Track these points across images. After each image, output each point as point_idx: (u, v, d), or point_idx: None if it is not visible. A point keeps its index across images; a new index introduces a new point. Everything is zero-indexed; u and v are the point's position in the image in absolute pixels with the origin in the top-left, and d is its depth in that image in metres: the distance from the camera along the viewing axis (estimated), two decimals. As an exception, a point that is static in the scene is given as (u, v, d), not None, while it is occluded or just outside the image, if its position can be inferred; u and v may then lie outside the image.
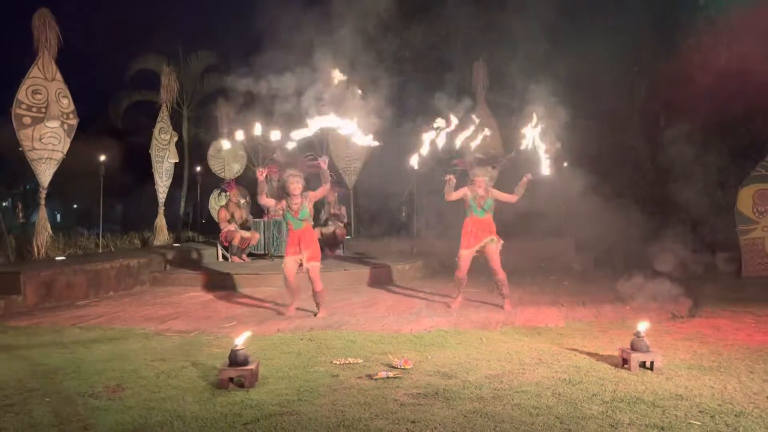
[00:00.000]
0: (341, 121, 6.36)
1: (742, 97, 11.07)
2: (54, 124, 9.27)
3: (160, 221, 11.93)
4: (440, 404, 3.78)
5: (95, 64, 19.40)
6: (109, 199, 16.16)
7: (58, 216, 23.84)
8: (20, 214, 19.95)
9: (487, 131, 7.86)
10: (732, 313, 6.52)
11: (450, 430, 3.39)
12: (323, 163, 6.58)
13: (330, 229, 10.94)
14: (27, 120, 9.11)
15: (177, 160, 12.27)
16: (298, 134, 6.30)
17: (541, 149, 7.04)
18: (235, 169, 12.63)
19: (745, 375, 4.33)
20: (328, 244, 10.76)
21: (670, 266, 8.20)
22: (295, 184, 6.61)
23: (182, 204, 17.85)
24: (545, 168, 7.07)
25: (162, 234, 11.91)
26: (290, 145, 6.44)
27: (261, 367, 4.42)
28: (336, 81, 6.47)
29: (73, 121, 9.60)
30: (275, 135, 6.43)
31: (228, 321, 6.53)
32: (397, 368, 4.52)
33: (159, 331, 6.03)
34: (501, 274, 6.89)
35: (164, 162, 11.88)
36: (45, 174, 9.34)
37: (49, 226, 9.62)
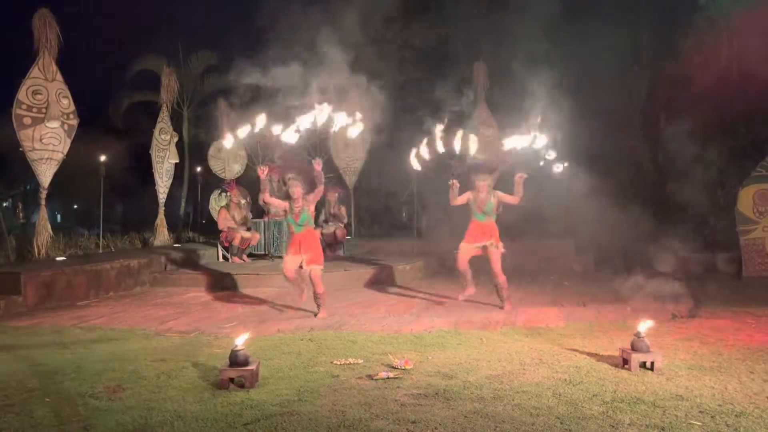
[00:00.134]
0: (340, 116, 6.39)
1: (743, 97, 11.08)
2: (54, 124, 9.26)
3: (161, 221, 11.92)
4: (441, 405, 3.78)
5: (95, 65, 19.42)
6: (110, 200, 16.18)
7: (59, 216, 23.83)
8: (20, 215, 19.98)
9: (487, 132, 7.87)
10: (732, 313, 6.52)
11: (450, 431, 3.39)
12: (317, 164, 6.61)
13: (330, 229, 10.95)
14: (27, 120, 9.11)
15: (177, 161, 12.26)
16: (302, 123, 6.30)
17: (541, 141, 7.01)
18: (235, 169, 12.63)
19: (745, 375, 4.33)
20: (329, 244, 10.77)
21: (670, 266, 8.21)
22: (295, 188, 6.66)
23: (182, 204, 17.85)
24: (546, 154, 7.06)
25: (162, 234, 11.91)
26: (293, 138, 6.41)
27: (261, 368, 4.43)
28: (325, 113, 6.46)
29: (74, 122, 9.60)
30: (276, 130, 6.42)
31: (228, 321, 6.53)
32: (398, 369, 4.53)
33: (159, 332, 6.04)
34: (501, 278, 6.90)
35: (164, 162, 11.88)
36: (45, 174, 9.34)
37: (49, 226, 9.61)
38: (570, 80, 11.74)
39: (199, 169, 14.73)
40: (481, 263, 7.10)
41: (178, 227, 14.90)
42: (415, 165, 7.10)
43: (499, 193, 6.93)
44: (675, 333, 5.64)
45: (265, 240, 11.05)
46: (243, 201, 11.32)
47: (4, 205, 21.52)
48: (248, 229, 10.71)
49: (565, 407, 3.70)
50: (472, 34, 14.17)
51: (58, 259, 9.23)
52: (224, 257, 10.78)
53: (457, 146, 6.95)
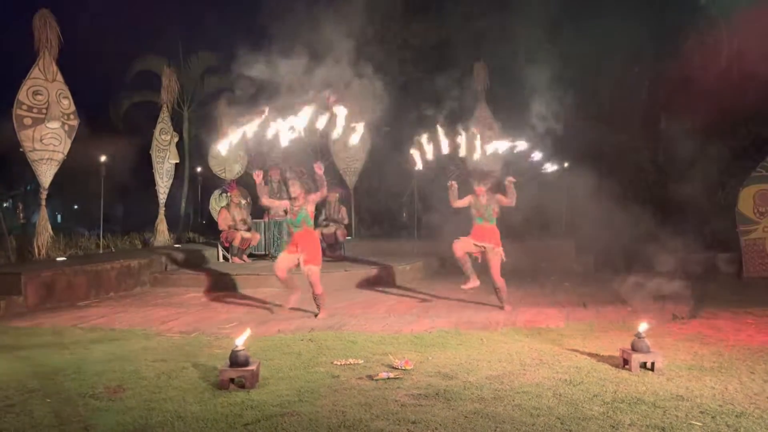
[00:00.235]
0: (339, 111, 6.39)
1: (743, 97, 11.08)
2: (55, 124, 9.26)
3: (161, 222, 11.93)
4: (441, 405, 3.78)
5: (96, 65, 19.39)
6: (110, 200, 16.14)
7: (59, 217, 23.83)
8: (21, 215, 20.01)
9: (487, 132, 7.90)
10: (733, 313, 6.51)
11: (451, 431, 3.39)
12: (318, 168, 6.60)
13: (330, 229, 10.95)
14: (28, 121, 9.12)
15: (177, 161, 12.27)
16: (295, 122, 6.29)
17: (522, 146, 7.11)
18: (235, 170, 12.63)
19: (746, 376, 4.32)
20: (329, 244, 10.76)
21: (670, 267, 8.21)
22: (294, 187, 6.67)
23: (183, 205, 17.86)
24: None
25: (162, 235, 11.92)
26: (288, 139, 6.41)
27: (261, 368, 4.42)
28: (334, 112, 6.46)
29: (74, 122, 9.60)
30: (275, 129, 6.42)
31: (228, 322, 6.53)
32: (398, 369, 4.52)
33: (159, 332, 6.04)
34: (499, 283, 6.91)
35: (165, 162, 11.88)
36: (46, 175, 9.35)
37: (49, 226, 9.62)
38: (570, 80, 11.75)
39: (199, 169, 14.72)
40: (480, 264, 7.11)
41: (179, 227, 14.91)
42: (416, 160, 7.11)
43: (498, 197, 6.98)
44: (675, 333, 5.64)
45: (265, 240, 11.06)
46: (243, 201, 11.32)
47: (5, 205, 21.52)
48: (248, 230, 10.72)
49: (566, 407, 3.70)
50: (472, 34, 14.17)
51: (58, 259, 9.23)
52: (224, 257, 10.78)
53: (461, 150, 6.97)
